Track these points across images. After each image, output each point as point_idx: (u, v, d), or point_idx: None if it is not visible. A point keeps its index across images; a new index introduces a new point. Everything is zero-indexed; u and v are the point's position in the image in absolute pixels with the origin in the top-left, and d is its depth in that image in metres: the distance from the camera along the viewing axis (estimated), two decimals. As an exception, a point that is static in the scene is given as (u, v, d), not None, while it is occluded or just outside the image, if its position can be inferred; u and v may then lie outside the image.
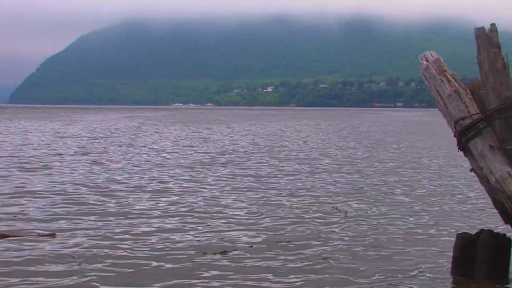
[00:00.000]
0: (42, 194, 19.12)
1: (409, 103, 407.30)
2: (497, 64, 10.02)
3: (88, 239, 12.96)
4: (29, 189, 20.02)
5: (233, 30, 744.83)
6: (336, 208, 17.37)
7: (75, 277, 10.28)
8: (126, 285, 9.96)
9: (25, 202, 17.61)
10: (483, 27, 10.14)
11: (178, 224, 14.86)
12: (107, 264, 11.12)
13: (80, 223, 14.70)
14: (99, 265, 11.02)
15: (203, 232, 13.91)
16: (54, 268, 10.82)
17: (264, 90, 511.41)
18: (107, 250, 12.05)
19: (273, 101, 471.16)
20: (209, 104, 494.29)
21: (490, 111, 9.99)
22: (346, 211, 16.74)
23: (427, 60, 10.58)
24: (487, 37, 10.07)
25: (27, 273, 10.43)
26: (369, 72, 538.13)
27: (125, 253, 11.86)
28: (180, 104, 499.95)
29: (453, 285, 10.15)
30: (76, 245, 12.42)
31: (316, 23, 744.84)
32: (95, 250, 12.02)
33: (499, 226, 12.28)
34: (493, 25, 10.13)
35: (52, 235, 13.25)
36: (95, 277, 10.30)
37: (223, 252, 12.01)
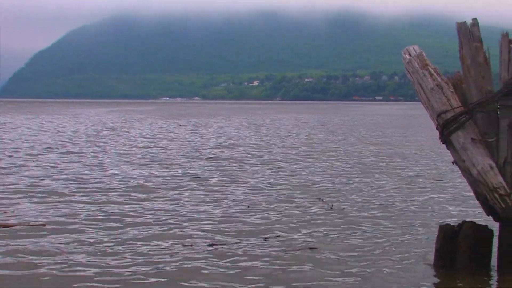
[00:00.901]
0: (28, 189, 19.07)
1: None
2: (478, 58, 10.02)
3: (75, 231, 12.90)
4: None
5: (220, 25, 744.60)
6: (322, 200, 17.34)
7: (60, 267, 10.26)
8: (113, 274, 9.93)
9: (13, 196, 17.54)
10: (465, 21, 10.14)
11: (163, 220, 14.80)
12: (93, 254, 11.06)
13: (68, 216, 14.63)
14: (84, 255, 10.97)
15: (191, 226, 13.86)
16: (41, 258, 10.77)
17: (250, 85, 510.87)
18: (93, 241, 12.00)
19: (259, 95, 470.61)
20: (196, 98, 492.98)
21: (472, 104, 10.01)
22: (332, 204, 16.71)
23: (410, 55, 10.57)
24: (469, 32, 10.07)
25: (16, 263, 10.39)
26: (353, 66, 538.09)
27: (111, 246, 11.83)
28: (168, 98, 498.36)
29: (436, 276, 10.16)
30: (63, 236, 12.36)
31: (301, 19, 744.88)
32: (82, 241, 11.97)
33: (481, 217, 12.28)
34: (474, 19, 10.13)
35: (42, 225, 13.22)
36: (83, 267, 10.26)
37: (211, 245, 11.99)
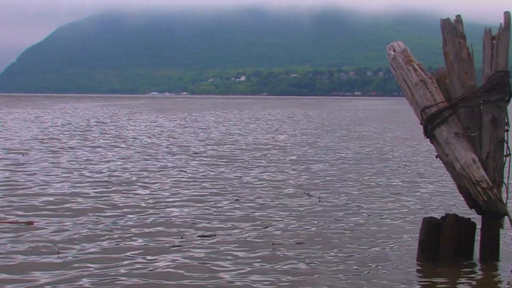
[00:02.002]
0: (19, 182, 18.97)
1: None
2: (462, 54, 10.03)
3: (65, 227, 12.82)
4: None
5: (207, 21, 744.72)
6: (309, 193, 17.32)
7: (54, 264, 10.20)
8: (104, 268, 9.87)
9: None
10: (449, 18, 10.15)
11: (155, 209, 14.75)
12: (85, 250, 11.00)
13: (57, 211, 14.54)
14: (77, 252, 10.90)
15: (182, 217, 13.82)
16: (32, 254, 10.69)
17: (237, 80, 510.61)
18: (84, 236, 11.94)
19: (245, 90, 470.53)
20: (184, 93, 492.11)
21: (455, 99, 10.03)
22: (320, 197, 16.69)
23: (394, 51, 10.56)
24: (452, 28, 10.07)
25: (5, 260, 10.30)
26: (338, 62, 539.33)
27: (102, 238, 11.76)
28: (156, 93, 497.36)
29: (419, 268, 10.16)
30: (54, 232, 12.28)
31: (287, 15, 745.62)
32: (73, 237, 11.90)
33: (464, 210, 12.30)
34: (458, 16, 10.14)
35: (30, 223, 13.07)
36: (74, 264, 10.20)
37: (201, 236, 11.96)
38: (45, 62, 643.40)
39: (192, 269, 9.94)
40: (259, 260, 10.51)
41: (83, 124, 52.84)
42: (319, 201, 16.17)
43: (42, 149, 29.33)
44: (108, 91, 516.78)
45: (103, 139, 36.07)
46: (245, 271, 9.91)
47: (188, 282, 9.36)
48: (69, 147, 30.32)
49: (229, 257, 10.63)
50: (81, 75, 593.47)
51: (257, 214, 14.40)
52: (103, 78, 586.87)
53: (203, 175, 20.91)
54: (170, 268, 10.00)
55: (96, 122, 57.76)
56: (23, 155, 26.09)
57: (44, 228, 12.57)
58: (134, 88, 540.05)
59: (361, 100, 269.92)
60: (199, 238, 11.86)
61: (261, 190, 17.97)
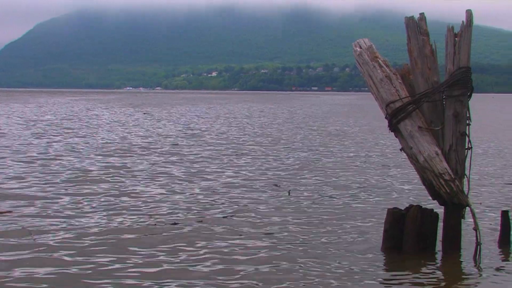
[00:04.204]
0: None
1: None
2: (425, 50, 10.04)
3: (42, 216, 12.66)
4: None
5: (181, 19, 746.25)
6: (279, 186, 17.27)
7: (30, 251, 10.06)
8: (82, 256, 9.75)
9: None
10: (413, 16, 10.16)
11: (131, 199, 14.63)
12: (61, 238, 10.86)
13: (35, 203, 14.36)
14: (54, 240, 10.76)
15: (155, 207, 13.71)
16: (10, 243, 10.54)
17: (209, 75, 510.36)
18: (61, 226, 11.79)
19: (217, 85, 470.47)
20: (158, 88, 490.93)
21: (419, 94, 10.05)
22: (290, 190, 16.63)
23: (360, 47, 10.54)
24: (416, 26, 10.08)
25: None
26: (307, 58, 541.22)
27: (78, 229, 11.62)
28: (131, 88, 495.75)
29: (384, 257, 10.16)
30: (31, 221, 12.13)
31: (258, 14, 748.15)
32: (49, 226, 11.75)
33: (427, 202, 12.31)
34: (422, 14, 10.14)
35: (9, 212, 12.91)
36: (50, 252, 10.08)
37: (174, 224, 11.87)
38: (25, 58, 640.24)
39: (159, 253, 9.88)
40: (237, 251, 10.46)
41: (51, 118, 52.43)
42: (289, 194, 16.11)
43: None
44: (85, 86, 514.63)
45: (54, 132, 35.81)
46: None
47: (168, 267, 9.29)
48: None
49: (196, 245, 10.57)
50: (59, 71, 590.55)
51: (224, 201, 14.35)
52: (80, 74, 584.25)
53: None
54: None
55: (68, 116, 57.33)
56: None
57: (22, 217, 12.42)
58: (109, 83, 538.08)
59: (327, 95, 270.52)
60: (172, 225, 11.80)
61: (231, 182, 17.92)
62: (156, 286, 8.61)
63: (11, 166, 20.36)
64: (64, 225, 11.92)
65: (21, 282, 8.64)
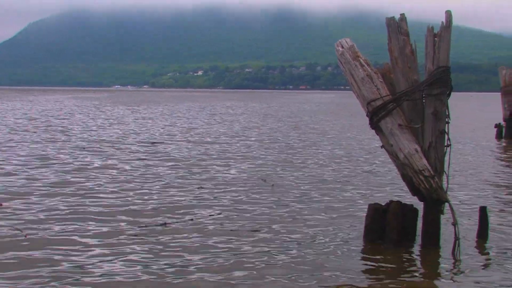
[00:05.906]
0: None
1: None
2: (406, 50, 10.05)
3: (33, 211, 12.56)
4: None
5: (169, 19, 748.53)
6: (265, 180, 17.24)
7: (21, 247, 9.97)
8: (71, 254, 9.66)
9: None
10: (394, 17, 10.16)
11: (119, 197, 14.54)
12: (52, 234, 10.77)
13: (25, 195, 14.25)
14: (45, 236, 10.67)
15: (144, 206, 13.61)
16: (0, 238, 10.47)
17: (195, 74, 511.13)
18: (51, 222, 11.70)
19: (203, 84, 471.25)
20: (145, 86, 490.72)
21: (399, 93, 10.06)
22: (273, 184, 16.59)
23: (342, 47, 10.52)
24: (397, 26, 10.09)
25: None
26: (290, 58, 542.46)
27: (69, 225, 11.54)
28: (119, 86, 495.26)
29: (364, 250, 10.15)
30: (22, 216, 12.03)
31: (244, 15, 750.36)
32: (40, 221, 11.66)
33: (407, 197, 12.31)
34: (402, 15, 10.15)
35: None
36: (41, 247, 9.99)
37: (164, 225, 11.77)
38: (17, 56, 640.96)
39: (149, 253, 9.81)
40: (223, 246, 10.41)
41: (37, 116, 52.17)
42: (272, 187, 16.08)
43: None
44: (76, 84, 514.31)
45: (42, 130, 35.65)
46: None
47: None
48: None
49: (186, 243, 10.51)
50: (51, 69, 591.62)
51: (217, 201, 14.29)
52: (72, 72, 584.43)
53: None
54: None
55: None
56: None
57: (13, 211, 12.32)
58: (99, 81, 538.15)
59: (311, 94, 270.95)
60: (162, 226, 11.69)
61: (218, 178, 17.87)
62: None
63: None
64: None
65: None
